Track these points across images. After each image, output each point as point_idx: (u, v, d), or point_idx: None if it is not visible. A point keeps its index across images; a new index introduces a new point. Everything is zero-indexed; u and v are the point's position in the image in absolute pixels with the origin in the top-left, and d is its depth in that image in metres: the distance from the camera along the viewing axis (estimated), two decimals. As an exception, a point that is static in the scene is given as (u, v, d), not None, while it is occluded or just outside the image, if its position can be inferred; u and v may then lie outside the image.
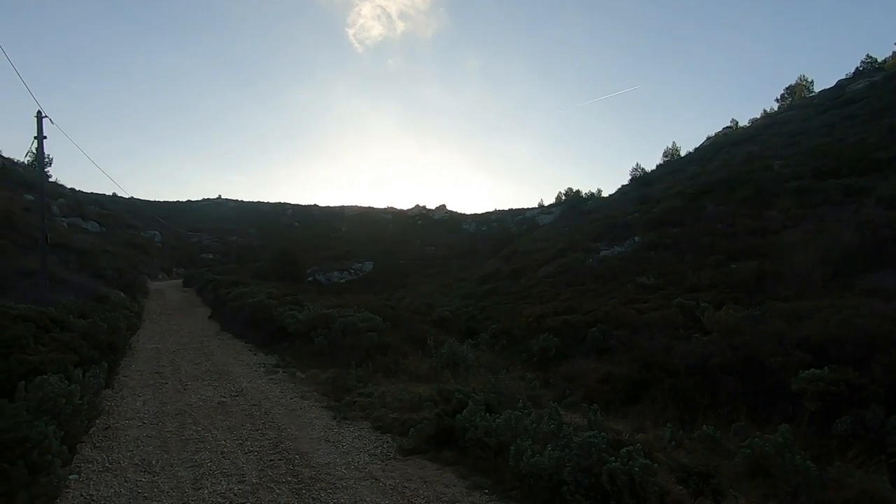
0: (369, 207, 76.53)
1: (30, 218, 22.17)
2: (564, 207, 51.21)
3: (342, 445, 5.39)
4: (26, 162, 37.37)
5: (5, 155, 37.13)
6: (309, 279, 37.79)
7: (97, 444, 5.25)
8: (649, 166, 47.62)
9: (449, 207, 75.34)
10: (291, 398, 7.33)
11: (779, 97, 50.90)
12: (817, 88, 46.36)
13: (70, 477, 4.32)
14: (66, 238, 24.92)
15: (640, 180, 40.93)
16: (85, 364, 6.47)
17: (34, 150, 14.59)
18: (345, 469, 4.71)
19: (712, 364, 7.47)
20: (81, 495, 4.08)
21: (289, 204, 77.30)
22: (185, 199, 77.12)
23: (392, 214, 72.17)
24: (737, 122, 50.26)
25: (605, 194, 50.88)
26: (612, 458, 3.66)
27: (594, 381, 8.56)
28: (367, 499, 4.06)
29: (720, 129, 50.57)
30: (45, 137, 13.92)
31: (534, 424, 4.81)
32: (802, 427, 5.87)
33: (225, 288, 19.25)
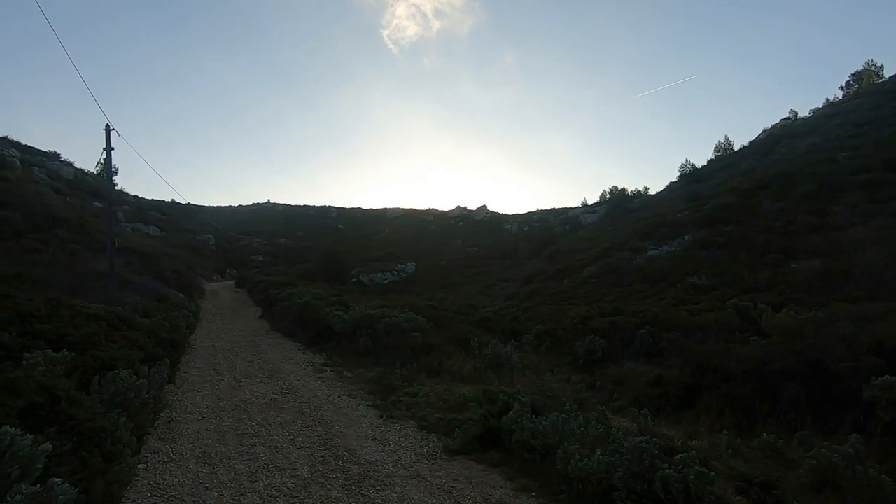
0: (411, 209, 77.42)
1: (99, 224, 23.83)
2: (609, 206, 49.91)
3: (389, 444, 5.48)
4: (95, 172, 40.19)
5: (77, 166, 40.04)
6: (353, 280, 38.65)
7: (162, 436, 5.58)
8: (700, 162, 45.67)
9: (490, 208, 75.01)
10: (339, 396, 7.52)
11: (843, 84, 47.52)
12: (887, 73, 42.99)
13: (139, 466, 4.62)
14: (130, 242, 26.63)
15: (690, 176, 39.30)
16: (150, 360, 6.89)
17: (103, 161, 15.68)
18: (392, 467, 4.79)
19: (772, 369, 7.07)
20: (149, 484, 4.35)
21: (333, 207, 79.33)
22: (236, 204, 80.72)
23: (433, 216, 72.65)
24: (796, 113, 47.33)
25: (651, 192, 49.25)
26: (666, 465, 3.54)
27: (643, 385, 8.30)
28: (415, 497, 4.11)
29: (777, 120, 47.79)
30: (113, 149, 14.94)
31: (581, 428, 4.72)
32: (875, 438, 5.46)
33: (274, 289, 19.98)
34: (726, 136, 51.75)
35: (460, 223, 67.44)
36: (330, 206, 79.54)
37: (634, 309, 12.87)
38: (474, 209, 74.75)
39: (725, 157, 43.53)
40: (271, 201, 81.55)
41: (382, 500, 4.08)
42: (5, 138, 36.40)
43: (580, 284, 21.32)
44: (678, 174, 43.60)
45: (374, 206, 79.51)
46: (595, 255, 25.06)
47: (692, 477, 3.37)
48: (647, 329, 10.54)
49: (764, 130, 45.83)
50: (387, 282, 40.65)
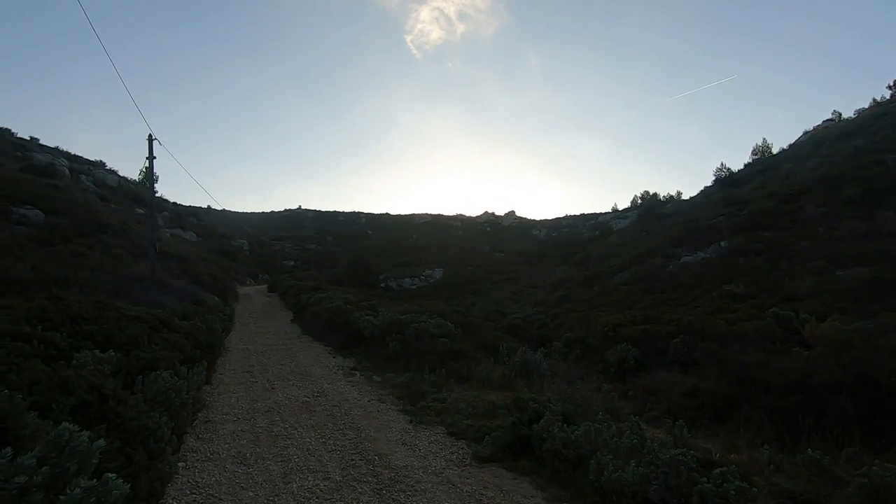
0: (438, 215, 77.73)
1: (141, 229, 24.84)
2: (640, 211, 48.87)
3: (419, 449, 5.49)
4: (138, 180, 41.98)
5: (120, 174, 41.96)
6: (381, 285, 39.02)
7: (200, 436, 5.75)
8: (736, 166, 44.24)
9: (518, 213, 74.68)
10: (369, 400, 7.59)
11: (892, 84, 45.22)
12: (940, 71, 40.62)
13: (179, 464, 4.78)
14: (169, 247, 27.65)
15: (726, 181, 38.08)
16: (188, 362, 7.13)
17: (145, 169, 16.38)
18: (422, 472, 4.80)
19: (817, 381, 6.76)
20: (188, 481, 4.49)
21: (362, 213, 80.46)
22: (269, 210, 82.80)
23: (461, 221, 72.75)
24: (840, 114, 45.29)
25: (684, 197, 47.97)
26: (705, 479, 3.44)
27: (678, 396, 8.06)
28: None
29: (819, 122, 45.83)
30: (155, 157, 15.58)
31: (614, 438, 4.63)
32: (932, 457, 5.14)
33: (305, 293, 20.36)
34: (764, 139, 49.89)
35: (488, 229, 67.30)
36: (359, 212, 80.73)
37: (668, 317, 12.54)
38: (502, 214, 74.53)
39: (763, 161, 42.00)
40: (302, 207, 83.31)
41: (413, 505, 4.09)
42: (56, 148, 38.46)
43: (610, 291, 20.93)
44: (713, 178, 42.22)
45: (402, 212, 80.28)
46: (626, 261, 24.57)
47: (732, 492, 3.26)
48: (681, 338, 10.26)
49: (805, 132, 44.04)
50: (414, 287, 40.87)
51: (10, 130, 37.77)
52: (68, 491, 1.84)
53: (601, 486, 4.00)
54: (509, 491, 4.40)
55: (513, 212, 75.21)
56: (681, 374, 9.12)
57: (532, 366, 9.06)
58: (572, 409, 5.69)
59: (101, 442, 2.27)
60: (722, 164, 41.84)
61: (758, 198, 24.90)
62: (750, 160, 45.63)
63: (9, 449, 1.89)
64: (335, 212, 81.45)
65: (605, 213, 60.75)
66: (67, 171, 32.96)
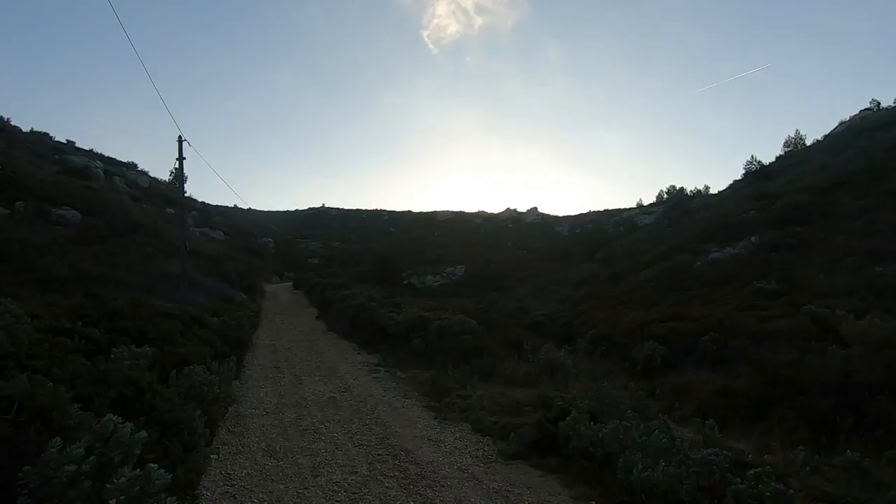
0: (460, 212, 77.66)
1: (171, 229, 25.56)
2: (667, 207, 47.84)
3: (444, 445, 5.52)
4: (167, 180, 43.22)
5: (151, 175, 43.26)
6: (404, 282, 39.22)
7: (231, 429, 5.90)
8: (767, 159, 42.79)
9: (541, 210, 74.01)
10: (394, 396, 7.66)
11: (935, 70, 42.96)
12: None
13: (212, 457, 4.91)
14: (198, 246, 28.38)
15: (757, 174, 36.91)
16: (219, 357, 7.31)
17: (174, 170, 16.83)
18: (448, 469, 4.82)
19: (856, 382, 6.52)
20: (222, 473, 4.61)
21: (385, 211, 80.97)
22: (293, 209, 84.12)
23: (483, 218, 72.54)
24: (878, 103, 43.30)
25: (713, 191, 46.73)
26: (738, 480, 3.35)
27: (707, 395, 7.88)
28: (472, 500, 4.12)
29: (856, 111, 43.94)
30: (185, 158, 16.01)
31: (643, 437, 4.55)
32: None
33: (330, 290, 20.65)
34: (797, 131, 48.08)
35: (510, 225, 66.93)
36: (381, 210, 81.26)
37: (696, 314, 12.26)
38: (524, 211, 74.01)
39: (797, 153, 40.58)
40: (326, 206, 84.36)
41: (440, 500, 4.12)
42: (91, 151, 39.90)
43: (636, 288, 20.57)
44: (743, 172, 40.95)
45: (424, 210, 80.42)
46: (652, 257, 24.10)
47: (768, 494, 3.17)
48: (710, 336, 10.01)
49: (841, 123, 42.22)
50: (437, 284, 40.94)
51: (47, 134, 39.34)
52: (114, 480, 1.92)
53: (630, 485, 3.95)
54: (536, 488, 4.38)
55: (535, 208, 74.59)
56: (710, 373, 8.91)
57: (556, 363, 8.99)
58: (599, 407, 5.62)
59: (143, 433, 2.37)
60: (752, 157, 40.59)
61: (791, 191, 24.09)
62: (782, 152, 44.12)
63: (58, 439, 1.99)
64: (358, 210, 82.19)
65: (630, 209, 59.67)
66: (102, 173, 34.15)
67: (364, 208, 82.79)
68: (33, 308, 6.03)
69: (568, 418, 4.97)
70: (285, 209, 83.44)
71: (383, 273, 35.02)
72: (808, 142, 43.56)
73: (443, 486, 4.39)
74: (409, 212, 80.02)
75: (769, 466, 3.58)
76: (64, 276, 13.09)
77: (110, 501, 1.76)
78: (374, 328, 12.68)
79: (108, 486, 1.88)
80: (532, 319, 16.57)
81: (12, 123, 36.30)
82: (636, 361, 10.32)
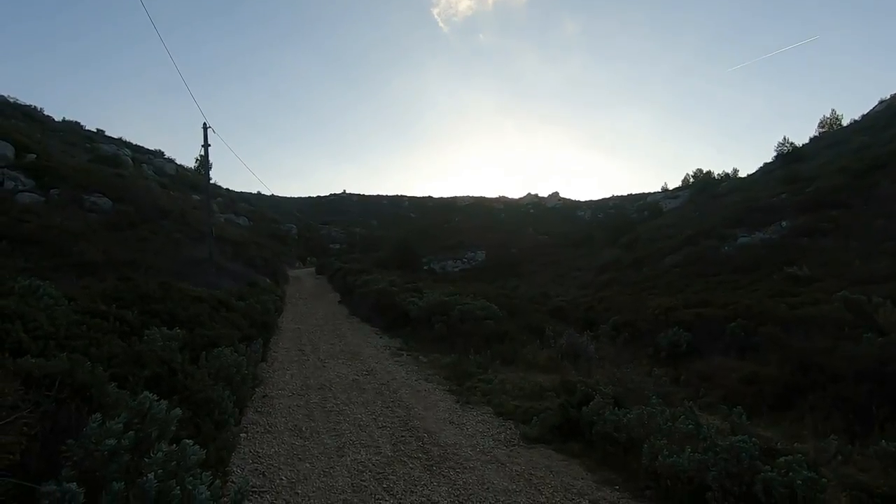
0: (481, 197, 77.33)
1: (197, 215, 26.13)
2: (693, 190, 46.65)
3: (467, 428, 5.56)
4: (193, 167, 44.06)
5: (177, 162, 44.19)
6: (424, 268, 39.39)
7: (258, 410, 6.06)
8: (800, 140, 41.20)
9: (562, 194, 73.18)
10: (416, 380, 7.74)
11: None
12: None
13: (241, 435, 5.06)
14: (223, 231, 28.98)
15: (789, 156, 35.61)
16: (245, 340, 7.49)
17: (199, 157, 17.15)
18: (470, 451, 4.86)
19: (893, 370, 6.30)
20: (250, 452, 4.75)
21: (405, 196, 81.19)
22: (315, 195, 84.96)
23: (504, 204, 72.09)
24: (922, 80, 41.01)
25: (741, 175, 45.30)
26: (768, 468, 3.29)
27: (734, 382, 7.71)
28: (495, 482, 4.15)
29: (898, 89, 41.75)
30: (210, 145, 16.26)
31: (668, 423, 4.50)
32: None
33: (352, 275, 20.88)
34: (833, 111, 45.84)
35: (531, 210, 66.37)
36: (402, 196, 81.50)
37: (723, 300, 11.97)
38: (546, 196, 73.23)
39: (832, 134, 38.93)
40: (346, 192, 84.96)
41: (463, 482, 4.16)
42: (120, 139, 40.90)
43: (660, 274, 20.20)
44: (774, 154, 39.52)
45: (444, 195, 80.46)
46: (677, 242, 23.61)
47: (800, 482, 3.10)
48: (738, 322, 9.77)
49: (881, 102, 40.21)
50: (457, 269, 41.00)
51: (79, 123, 40.43)
52: (152, 454, 1.99)
53: (654, 470, 3.92)
54: (559, 472, 4.39)
55: (556, 193, 73.75)
56: (738, 359, 8.71)
57: (579, 349, 8.93)
58: (623, 392, 5.58)
59: (178, 411, 2.45)
60: (784, 138, 39.09)
61: (825, 173, 23.21)
62: (816, 133, 42.46)
63: (98, 415, 2.07)
64: (379, 195, 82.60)
65: (655, 193, 58.43)
66: (130, 161, 35.03)
67: (385, 194, 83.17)
68: (70, 291, 6.27)
69: (591, 403, 4.95)
70: (307, 195, 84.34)
71: (404, 258, 35.21)
72: (845, 122, 41.73)
73: (466, 468, 4.43)
74: (430, 197, 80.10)
75: (800, 455, 3.49)
76: (97, 260, 13.55)
77: (149, 474, 1.83)
78: (396, 313, 12.78)
79: (145, 459, 1.96)
80: (553, 305, 16.46)
81: (45, 113, 37.40)
82: (660, 348, 10.15)
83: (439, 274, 37.72)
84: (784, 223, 19.76)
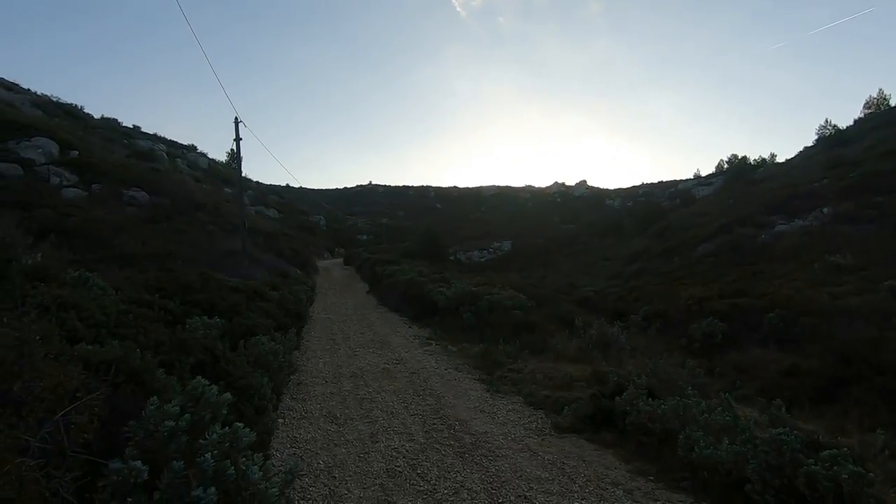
0: (507, 186, 76.71)
1: (230, 208, 26.80)
2: (727, 177, 45.10)
3: (497, 417, 5.60)
4: (224, 161, 45.13)
5: (209, 156, 45.30)
6: (451, 258, 39.46)
7: (294, 396, 6.24)
8: (843, 122, 39.20)
9: (590, 183, 71.88)
10: (446, 369, 7.81)
11: None
12: None
13: (279, 420, 5.23)
14: (255, 223, 29.64)
15: (832, 140, 33.99)
16: (280, 329, 7.70)
17: (230, 151, 17.55)
18: (502, 439, 4.90)
19: (945, 363, 6.03)
20: (288, 436, 4.91)
21: (431, 187, 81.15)
22: (342, 186, 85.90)
23: (530, 193, 71.36)
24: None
25: (779, 160, 43.50)
26: (811, 461, 3.21)
27: (773, 374, 7.53)
28: (528, 470, 4.18)
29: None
30: (242, 139, 16.61)
31: (704, 414, 4.43)
32: None
33: (380, 266, 21.11)
34: (880, 90, 43.17)
35: (558, 200, 65.49)
36: (428, 186, 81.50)
37: (760, 290, 11.63)
38: (573, 185, 72.09)
39: (879, 115, 36.87)
40: (373, 183, 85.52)
41: (496, 469, 4.20)
42: (155, 135, 42.17)
43: (693, 263, 19.71)
44: (815, 138, 37.79)
45: (470, 185, 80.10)
46: (711, 231, 22.93)
47: (845, 476, 3.02)
48: (777, 313, 9.49)
49: (934, 80, 37.87)
50: (483, 260, 40.92)
51: (116, 120, 41.81)
52: (207, 436, 2.10)
53: (691, 462, 3.87)
54: (591, 461, 4.38)
55: (584, 181, 72.48)
56: (777, 351, 8.48)
57: (609, 339, 8.83)
58: (656, 383, 5.50)
59: (228, 395, 2.56)
60: (827, 120, 37.36)
61: (871, 158, 22.09)
62: (861, 115, 40.29)
63: (155, 398, 2.19)
64: (405, 186, 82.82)
65: (687, 180, 56.75)
66: (165, 155, 36.09)
67: (410, 185, 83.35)
68: (115, 282, 6.55)
69: (625, 393, 4.91)
70: (334, 187, 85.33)
71: (430, 249, 35.35)
72: (893, 101, 39.49)
73: (498, 456, 4.47)
74: (455, 188, 79.90)
75: (845, 449, 3.39)
76: (137, 252, 14.08)
77: (206, 455, 1.93)
78: (424, 303, 12.87)
79: (201, 441, 2.06)
80: (581, 295, 16.29)
81: (85, 111, 38.84)
82: (694, 339, 9.96)
83: (465, 264, 37.74)
84: (825, 210, 18.96)
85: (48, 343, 2.43)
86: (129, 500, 1.73)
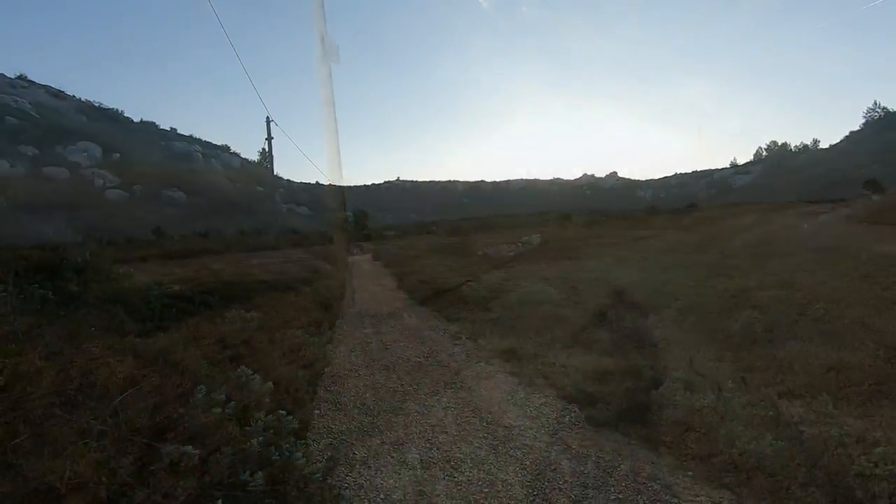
0: (535, 179, 76.06)
1: (262, 205, 27.53)
2: (766, 165, 43.51)
3: (529, 410, 5.57)
4: (256, 160, 46.32)
5: (242, 156, 46.54)
6: (479, 252, 39.36)
7: (328, 388, 6.36)
8: (894, 104, 37.01)
9: (620, 174, 70.46)
10: (476, 362, 7.81)
11: None
12: None
13: (314, 411, 5.36)
14: (286, 220, 30.38)
15: (882, 123, 32.23)
16: (314, 322, 7.86)
17: (262, 150, 17.97)
18: (535, 432, 4.88)
19: None
20: (323, 427, 5.01)
21: (458, 181, 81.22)
22: (370, 183, 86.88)
23: (558, 185, 70.53)
24: None
25: (823, 146, 41.56)
26: (863, 458, 3.08)
27: (817, 370, 7.20)
28: (563, 464, 4.16)
29: None
30: (273, 138, 17.00)
31: (745, 409, 4.31)
32: None
33: (408, 261, 21.27)
34: (935, 69, 40.73)
35: (587, 191, 64.51)
36: (454, 181, 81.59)
37: (803, 282, 11.15)
38: (602, 176, 70.83)
39: (933, 96, 34.71)
40: (400, 178, 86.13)
41: (530, 462, 4.20)
42: (191, 136, 43.62)
43: (730, 255, 19.07)
44: (862, 121, 35.96)
45: (497, 179, 79.66)
46: (749, 221, 22.15)
47: (900, 474, 2.88)
48: (821, 305, 9.07)
49: None
50: (512, 254, 40.61)
51: (154, 123, 43.45)
52: (252, 423, 2.18)
53: (732, 457, 3.77)
54: (627, 455, 4.31)
55: (615, 173, 71.21)
56: (821, 345, 8.11)
57: (643, 332, 8.65)
58: (694, 377, 5.37)
59: (270, 384, 2.65)
60: (875, 102, 35.49)
61: (925, 141, 20.82)
62: (914, 96, 37.98)
63: (202, 386, 2.28)
64: (432, 181, 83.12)
65: (723, 169, 55.07)
66: (200, 157, 37.32)
67: (437, 180, 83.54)
68: (157, 278, 6.84)
69: (661, 387, 4.81)
70: (363, 184, 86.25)
71: (458, 243, 35.37)
72: (950, 81, 37.04)
73: (532, 449, 4.46)
74: (483, 181, 79.70)
75: (900, 446, 3.24)
76: (176, 249, 14.65)
77: (253, 440, 2.00)
78: (453, 297, 12.90)
79: (247, 427, 2.14)
80: (614, 288, 15.98)
81: (125, 115, 40.45)
82: (732, 332, 9.63)
83: (494, 258, 37.57)
84: (875, 197, 18.02)
85: (102, 336, 2.56)
86: (181, 482, 1.82)
